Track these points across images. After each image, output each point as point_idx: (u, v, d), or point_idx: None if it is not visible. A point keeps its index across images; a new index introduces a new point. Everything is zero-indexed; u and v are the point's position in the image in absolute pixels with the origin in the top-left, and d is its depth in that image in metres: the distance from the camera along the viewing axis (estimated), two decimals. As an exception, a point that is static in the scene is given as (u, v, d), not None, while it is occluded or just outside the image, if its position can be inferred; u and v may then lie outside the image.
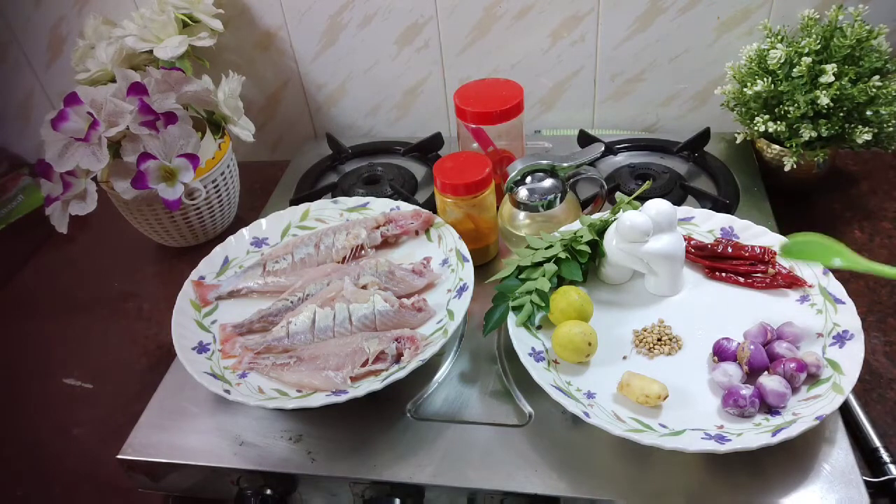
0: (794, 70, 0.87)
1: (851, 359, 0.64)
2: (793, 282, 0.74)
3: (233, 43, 1.14)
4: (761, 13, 0.98)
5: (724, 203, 0.89)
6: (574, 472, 0.63)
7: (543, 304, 0.72)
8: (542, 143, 1.10)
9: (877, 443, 0.66)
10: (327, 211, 0.93)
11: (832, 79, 0.84)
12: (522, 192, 0.83)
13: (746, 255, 0.77)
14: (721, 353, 0.68)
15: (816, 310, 0.71)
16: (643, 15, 1.01)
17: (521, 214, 0.85)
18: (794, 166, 0.90)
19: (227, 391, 0.68)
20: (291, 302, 0.79)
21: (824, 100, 0.84)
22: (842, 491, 0.59)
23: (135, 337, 0.93)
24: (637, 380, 0.65)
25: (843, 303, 0.70)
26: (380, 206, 0.91)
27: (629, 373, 0.66)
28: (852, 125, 0.87)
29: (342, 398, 0.67)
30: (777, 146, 0.94)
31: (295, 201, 1.01)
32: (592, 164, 0.98)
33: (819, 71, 0.85)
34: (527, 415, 0.69)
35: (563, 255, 0.76)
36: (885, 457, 0.65)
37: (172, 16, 0.99)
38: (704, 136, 1.01)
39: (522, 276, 0.76)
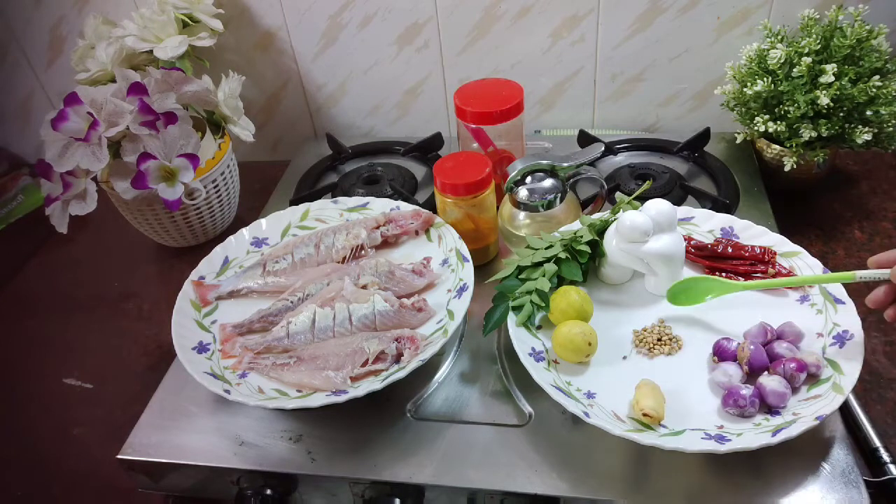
0: (794, 70, 0.87)
1: (851, 359, 0.64)
2: (793, 282, 0.74)
3: (233, 43, 1.14)
4: (761, 13, 0.98)
5: (724, 203, 0.89)
6: (574, 472, 0.63)
7: (543, 304, 0.72)
8: (542, 143, 1.10)
9: (877, 443, 0.66)
10: (327, 211, 0.93)
11: (832, 79, 0.84)
12: (522, 192, 0.83)
13: (746, 255, 0.77)
14: (721, 353, 0.68)
15: (816, 310, 0.71)
16: (643, 15, 1.01)
17: (521, 214, 0.85)
18: (794, 166, 0.90)
19: (227, 391, 0.68)
20: (291, 302, 0.79)
21: (824, 100, 0.84)
22: (842, 491, 0.59)
23: (135, 337, 0.93)
24: (644, 392, 0.63)
25: (843, 303, 0.70)
26: (380, 206, 0.91)
27: (645, 381, 0.65)
28: (852, 125, 0.87)
29: (342, 398, 0.67)
30: (777, 146, 0.94)
31: (295, 201, 1.01)
32: (592, 164, 0.98)
33: (819, 71, 0.85)
34: (527, 415, 0.69)
35: (563, 255, 0.76)
36: (885, 457, 0.65)
37: (172, 16, 0.99)
38: (704, 136, 1.01)
39: (522, 276, 0.76)
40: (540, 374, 0.66)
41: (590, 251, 0.77)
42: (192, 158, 0.89)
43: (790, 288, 0.74)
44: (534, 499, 0.63)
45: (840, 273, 0.68)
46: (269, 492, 0.68)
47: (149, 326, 0.94)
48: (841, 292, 0.71)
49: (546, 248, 0.76)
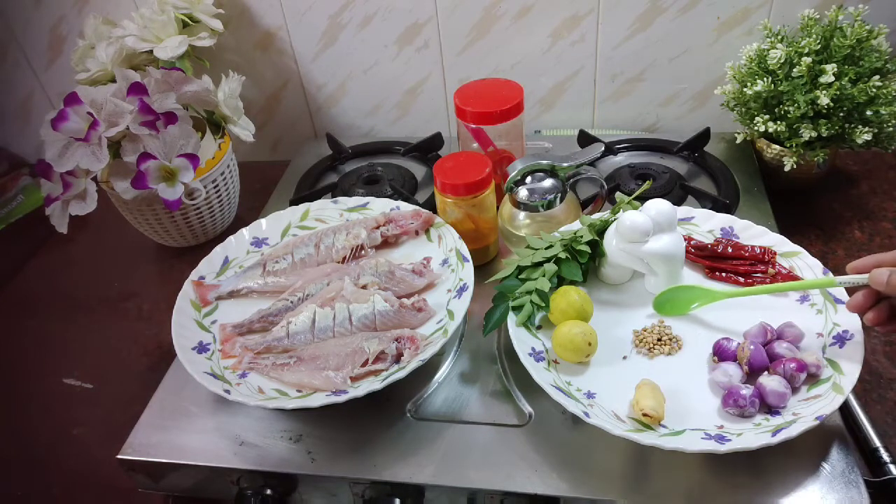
0: (794, 70, 0.87)
1: (851, 359, 0.64)
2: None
3: (233, 43, 1.14)
4: (761, 13, 0.98)
5: (724, 203, 0.89)
6: (574, 472, 0.63)
7: (543, 304, 0.72)
8: (542, 143, 1.10)
9: (877, 443, 0.66)
10: (327, 211, 0.93)
11: (832, 79, 0.84)
12: (522, 192, 0.83)
13: (746, 255, 0.77)
14: (721, 353, 0.68)
15: (816, 310, 0.71)
16: (643, 15, 1.01)
17: (521, 214, 0.85)
18: (794, 166, 0.90)
19: (227, 391, 0.68)
20: (291, 302, 0.79)
21: (824, 100, 0.84)
22: (842, 491, 0.59)
23: (135, 337, 0.93)
24: (644, 392, 0.63)
25: (843, 303, 0.70)
26: (380, 206, 0.91)
27: (645, 381, 0.65)
28: (852, 125, 0.87)
29: (342, 398, 0.67)
30: (777, 146, 0.94)
31: (295, 201, 1.01)
32: (592, 164, 0.98)
33: (819, 71, 0.85)
34: (527, 415, 0.69)
35: (563, 255, 0.76)
36: (885, 457, 0.65)
37: (172, 16, 0.99)
38: (704, 136, 1.01)
39: (522, 276, 0.76)
40: (540, 374, 0.66)
41: (590, 251, 0.77)
42: (192, 158, 0.89)
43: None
44: (534, 499, 0.63)
45: (821, 279, 0.69)
46: (269, 492, 0.68)
47: (149, 326, 0.94)
48: (841, 292, 0.71)
49: (546, 248, 0.76)
